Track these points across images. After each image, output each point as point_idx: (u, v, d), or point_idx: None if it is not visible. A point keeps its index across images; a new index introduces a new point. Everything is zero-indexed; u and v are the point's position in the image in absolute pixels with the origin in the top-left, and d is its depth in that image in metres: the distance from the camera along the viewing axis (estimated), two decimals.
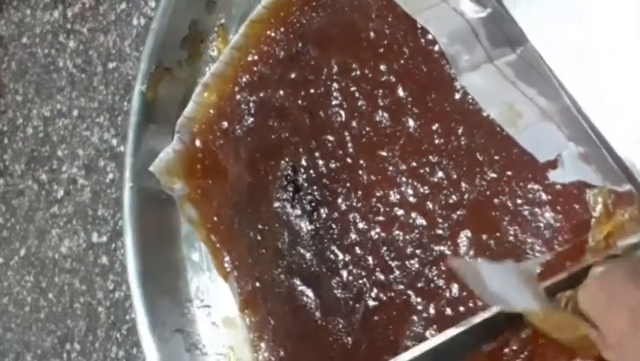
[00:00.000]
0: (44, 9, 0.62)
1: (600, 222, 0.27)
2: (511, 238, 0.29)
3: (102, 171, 0.56)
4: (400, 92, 0.33)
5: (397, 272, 0.32)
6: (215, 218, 0.40)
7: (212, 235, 0.40)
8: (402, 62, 0.32)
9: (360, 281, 0.33)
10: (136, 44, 0.54)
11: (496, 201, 0.29)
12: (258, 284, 0.38)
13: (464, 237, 0.30)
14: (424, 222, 0.31)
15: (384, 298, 0.32)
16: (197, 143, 0.40)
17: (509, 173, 0.29)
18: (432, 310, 0.31)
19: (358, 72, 0.34)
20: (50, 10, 0.62)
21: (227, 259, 0.40)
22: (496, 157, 0.29)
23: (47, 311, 0.59)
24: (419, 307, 0.31)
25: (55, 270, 0.59)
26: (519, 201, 0.29)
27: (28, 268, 0.61)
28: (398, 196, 0.32)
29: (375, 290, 0.33)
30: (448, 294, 0.30)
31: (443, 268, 0.30)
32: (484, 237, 0.29)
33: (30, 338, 0.60)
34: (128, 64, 0.54)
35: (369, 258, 0.33)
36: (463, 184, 0.30)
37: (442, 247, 0.31)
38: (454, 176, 0.30)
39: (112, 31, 0.56)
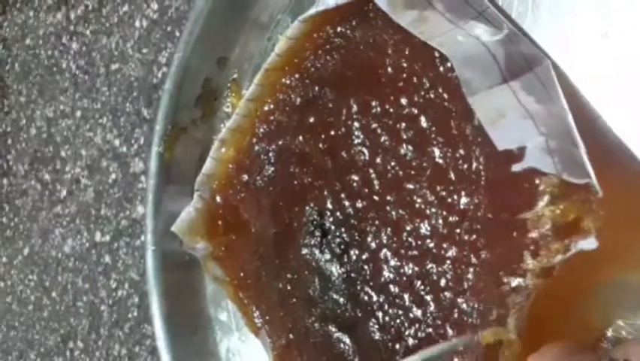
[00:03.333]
0: (47, 11, 0.63)
1: (544, 211, 0.27)
2: (529, 245, 0.29)
3: (105, 172, 0.56)
4: (423, 123, 0.32)
5: (433, 306, 0.31)
6: (241, 273, 0.39)
7: (239, 291, 0.39)
8: (422, 93, 0.32)
9: (398, 321, 0.32)
10: (138, 46, 0.54)
11: (506, 217, 0.29)
12: (291, 336, 0.37)
13: (489, 257, 0.30)
14: (454, 251, 0.31)
15: (424, 335, 0.31)
16: (218, 199, 0.39)
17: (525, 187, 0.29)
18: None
19: (378, 108, 0.33)
20: (53, 12, 0.62)
21: (257, 314, 0.38)
22: (515, 180, 0.29)
23: (50, 310, 0.60)
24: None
25: (58, 269, 0.59)
26: (526, 213, 0.29)
27: (32, 267, 0.62)
28: (429, 228, 0.31)
29: (413, 328, 0.32)
30: (484, 322, 0.30)
31: (479, 296, 0.30)
32: (511, 258, 0.29)
33: (33, 336, 0.61)
34: (131, 65, 0.55)
35: (405, 295, 0.32)
36: (483, 206, 0.30)
37: (472, 275, 0.30)
38: (476, 200, 0.30)
39: (114, 33, 0.56)
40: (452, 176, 0.31)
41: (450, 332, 0.30)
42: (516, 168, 0.28)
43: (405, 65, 0.32)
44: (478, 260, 0.30)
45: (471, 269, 0.30)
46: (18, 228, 0.63)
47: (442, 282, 0.31)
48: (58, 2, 0.62)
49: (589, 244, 0.26)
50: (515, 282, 0.28)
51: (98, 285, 0.56)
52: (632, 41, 0.29)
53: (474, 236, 0.30)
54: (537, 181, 0.28)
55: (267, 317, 0.38)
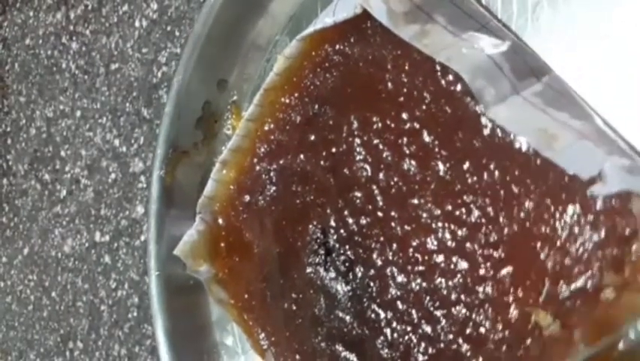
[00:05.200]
0: (47, 11, 0.63)
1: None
2: (555, 266, 0.28)
3: (105, 172, 0.56)
4: (426, 137, 0.31)
5: (444, 321, 0.30)
6: (245, 295, 0.38)
7: (244, 313, 0.39)
8: (424, 107, 0.31)
9: (407, 337, 0.32)
10: (138, 46, 0.54)
11: (535, 230, 0.28)
12: (298, 357, 0.36)
13: (507, 273, 0.29)
14: (465, 265, 0.30)
15: (434, 350, 0.31)
16: (220, 221, 0.39)
17: (547, 200, 0.28)
18: (482, 357, 0.29)
19: (380, 124, 0.33)
20: (53, 12, 0.62)
21: (262, 335, 0.38)
22: (532, 186, 0.28)
23: (50, 310, 0.60)
24: (469, 354, 0.30)
25: (58, 269, 0.59)
26: (559, 226, 0.28)
27: (32, 267, 0.62)
28: (436, 242, 0.31)
29: (423, 344, 0.31)
30: (497, 336, 0.29)
31: (491, 310, 0.29)
32: (528, 271, 0.28)
33: (33, 336, 0.61)
34: (130, 65, 0.55)
35: (413, 311, 0.32)
36: (502, 219, 0.29)
37: (487, 288, 0.29)
38: (492, 213, 0.29)
39: (114, 33, 0.56)
40: (460, 189, 0.30)
41: (464, 346, 0.30)
42: (602, 191, 0.26)
43: (405, 79, 0.32)
44: (495, 275, 0.29)
45: (486, 283, 0.29)
46: (18, 228, 0.64)
47: (453, 296, 0.30)
48: (57, 2, 0.62)
49: None
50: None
51: (97, 285, 0.56)
52: (635, 57, 0.29)
53: (490, 250, 0.29)
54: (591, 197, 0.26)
55: (273, 339, 0.38)
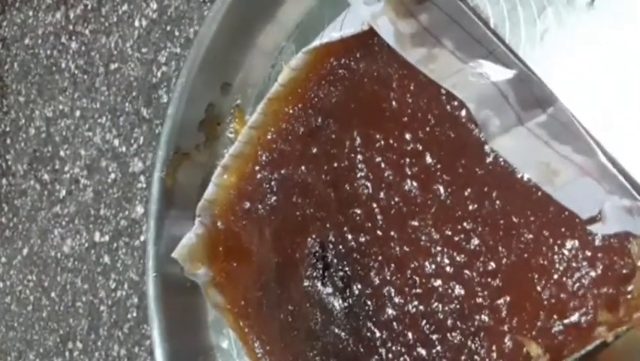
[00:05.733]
0: (47, 10, 0.63)
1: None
2: (550, 299, 0.28)
3: (104, 171, 0.56)
4: (428, 160, 0.31)
5: (439, 346, 0.30)
6: (242, 302, 0.39)
7: (240, 320, 0.39)
8: (427, 129, 0.31)
9: (401, 358, 0.32)
10: (137, 46, 0.54)
11: (533, 262, 0.28)
12: None
13: (504, 302, 0.29)
14: (462, 291, 0.30)
15: None
16: (219, 225, 0.39)
17: (546, 233, 0.28)
18: None
19: (382, 142, 0.33)
20: (53, 12, 0.62)
21: (257, 344, 0.38)
22: (532, 218, 0.29)
23: (50, 310, 0.60)
24: None
25: (57, 269, 0.59)
26: (557, 259, 0.28)
27: (31, 267, 0.62)
28: (434, 266, 0.31)
29: None
30: None
31: (486, 338, 0.29)
32: (523, 301, 0.28)
33: (32, 336, 0.61)
34: (130, 65, 0.55)
35: (409, 333, 0.32)
36: (500, 249, 0.29)
37: (483, 316, 0.29)
38: (490, 241, 0.29)
39: (114, 32, 0.56)
40: (460, 215, 0.30)
41: None
42: (602, 230, 0.27)
43: (410, 100, 0.32)
44: (491, 303, 0.29)
45: (482, 311, 0.29)
46: (17, 228, 0.63)
47: (449, 322, 0.30)
48: (57, 2, 0.62)
49: None
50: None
51: (97, 285, 0.56)
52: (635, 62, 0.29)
53: (487, 278, 0.29)
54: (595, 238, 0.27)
55: (268, 348, 0.38)
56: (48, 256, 0.60)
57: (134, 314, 0.52)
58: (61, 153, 0.60)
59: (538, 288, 0.28)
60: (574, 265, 0.27)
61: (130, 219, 0.54)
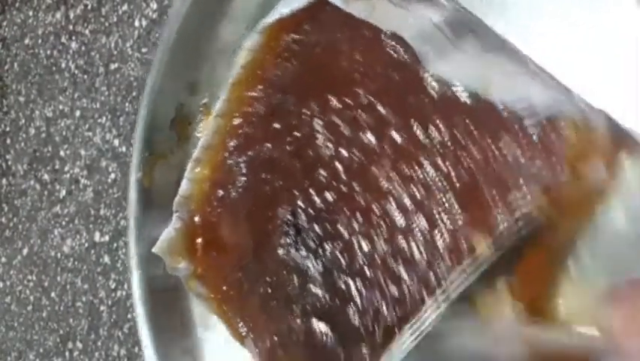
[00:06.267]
0: (46, 10, 0.63)
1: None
2: (501, 201, 0.30)
3: (104, 171, 0.56)
4: (380, 109, 0.33)
5: (410, 281, 0.32)
6: (224, 287, 0.39)
7: (223, 305, 0.40)
8: (377, 80, 0.34)
9: (375, 301, 0.33)
10: (137, 46, 0.54)
11: (483, 173, 0.30)
12: (275, 338, 0.37)
13: (462, 220, 0.31)
14: (424, 221, 0.32)
15: (402, 310, 0.32)
16: (197, 219, 0.40)
17: (490, 142, 0.30)
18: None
19: (338, 104, 0.35)
20: (52, 12, 0.62)
21: (240, 324, 0.39)
22: (476, 132, 0.30)
23: (49, 310, 0.60)
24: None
25: (57, 269, 0.59)
26: (503, 164, 0.30)
27: (31, 267, 0.62)
28: (396, 206, 0.33)
29: (391, 305, 0.32)
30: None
31: (450, 260, 0.31)
32: (479, 213, 0.30)
33: (32, 336, 0.61)
34: (130, 65, 0.55)
35: (380, 275, 0.33)
36: (453, 171, 0.31)
37: (444, 238, 0.31)
38: (443, 166, 0.31)
39: (114, 32, 0.56)
40: (414, 150, 0.32)
41: (426, 299, 0.31)
42: (535, 119, 0.29)
43: (358, 57, 0.34)
44: (453, 225, 0.31)
45: (443, 234, 0.31)
46: (17, 228, 0.63)
47: (416, 254, 0.32)
48: (57, 2, 0.62)
49: None
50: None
51: (97, 285, 0.56)
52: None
53: (445, 202, 0.31)
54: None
55: (251, 325, 0.38)
56: (48, 256, 0.60)
57: (134, 314, 0.52)
58: (61, 153, 0.60)
59: (491, 195, 0.30)
60: (517, 163, 0.29)
61: None
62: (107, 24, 0.57)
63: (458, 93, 0.31)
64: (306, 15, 0.36)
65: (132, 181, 0.44)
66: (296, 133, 0.36)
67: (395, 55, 0.33)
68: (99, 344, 0.55)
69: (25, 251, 0.62)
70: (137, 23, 0.54)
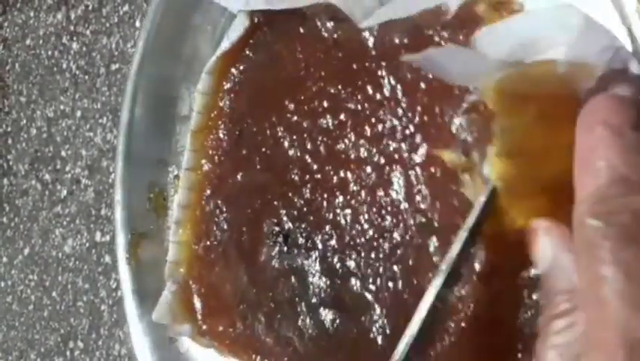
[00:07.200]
0: (48, 11, 0.63)
1: None
2: (450, 118, 0.31)
3: (105, 172, 0.56)
4: (331, 90, 0.35)
5: (397, 227, 0.33)
6: (230, 330, 0.40)
7: (233, 347, 0.40)
8: (320, 66, 0.35)
9: (373, 263, 0.34)
10: None
11: (430, 95, 0.31)
12: (290, 349, 0.37)
13: (426, 154, 0.32)
14: (400, 168, 0.33)
15: (399, 260, 0.33)
16: (190, 282, 0.41)
17: (436, 85, 0.31)
18: (435, 237, 0.32)
19: (292, 105, 0.36)
20: (54, 12, 0.62)
21: (253, 356, 0.39)
22: (423, 85, 0.32)
23: (51, 310, 0.60)
24: (421, 241, 0.32)
25: (58, 269, 0.59)
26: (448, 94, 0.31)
27: (32, 267, 0.62)
28: (368, 167, 0.34)
29: (388, 261, 0.33)
30: (437, 210, 0.32)
31: (426, 191, 0.32)
32: (441, 130, 0.31)
33: (34, 336, 0.61)
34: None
35: (370, 237, 0.34)
36: (409, 113, 0.32)
37: (418, 176, 0.32)
38: (400, 111, 0.32)
39: (115, 33, 0.56)
40: (370, 112, 0.33)
41: (417, 237, 0.32)
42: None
43: (299, 55, 0.36)
44: (424, 165, 0.32)
45: (416, 169, 0.32)
46: (18, 228, 0.64)
47: (398, 201, 0.33)
48: (58, 2, 0.62)
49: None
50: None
51: (98, 285, 0.56)
52: None
53: (409, 146, 0.32)
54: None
55: (264, 349, 0.38)
56: (49, 256, 0.60)
57: None
58: (63, 153, 0.60)
59: (444, 118, 0.31)
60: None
61: None
62: (108, 25, 0.57)
63: (390, 37, 0.32)
64: (245, 41, 0.38)
65: (121, 261, 0.44)
66: (263, 149, 0.38)
67: (329, 35, 0.35)
68: (100, 343, 0.55)
69: (26, 251, 0.63)
70: (137, 24, 0.54)
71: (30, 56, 0.64)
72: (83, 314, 0.57)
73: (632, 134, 0.23)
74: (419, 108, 0.32)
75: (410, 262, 0.32)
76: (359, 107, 0.34)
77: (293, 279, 0.37)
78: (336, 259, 0.35)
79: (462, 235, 0.28)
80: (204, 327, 0.40)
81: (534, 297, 0.28)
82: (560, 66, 0.25)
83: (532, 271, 0.27)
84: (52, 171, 0.61)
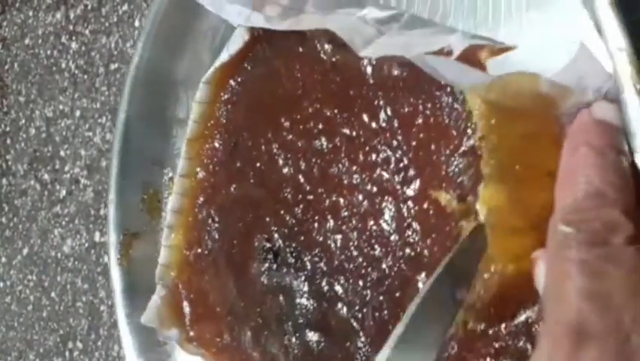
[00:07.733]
0: (47, 10, 0.63)
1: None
2: (447, 157, 0.30)
3: (104, 171, 0.56)
4: (327, 111, 0.35)
5: (385, 258, 0.32)
6: (217, 339, 0.40)
7: (220, 355, 0.40)
8: (319, 88, 0.35)
9: (360, 291, 0.33)
10: None
11: (428, 137, 0.31)
12: None
13: (419, 187, 0.31)
14: (392, 199, 0.32)
15: (385, 290, 0.32)
16: (180, 286, 0.41)
17: (427, 104, 0.31)
18: (424, 272, 0.31)
19: (288, 123, 0.36)
20: (53, 12, 0.62)
21: None
22: (412, 99, 0.31)
23: (50, 310, 0.60)
24: (411, 274, 0.32)
25: (57, 269, 0.59)
26: (443, 118, 0.31)
27: (31, 267, 0.62)
28: (359, 194, 0.33)
29: (375, 289, 0.33)
30: (427, 243, 0.31)
31: (417, 225, 0.31)
32: (434, 173, 0.31)
33: (32, 336, 0.61)
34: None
35: (358, 263, 0.34)
36: (404, 146, 0.32)
37: (410, 207, 0.32)
38: (395, 143, 0.32)
39: (114, 32, 0.56)
40: (365, 139, 0.33)
41: (407, 269, 0.32)
42: (456, 49, 0.30)
43: (297, 74, 0.36)
44: (417, 196, 0.31)
45: (408, 204, 0.32)
46: (17, 228, 0.64)
47: (388, 232, 0.32)
48: (57, 2, 0.62)
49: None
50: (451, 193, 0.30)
51: (97, 285, 0.56)
52: None
53: (402, 175, 0.32)
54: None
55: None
56: (48, 256, 0.60)
57: None
58: (62, 153, 0.60)
59: (440, 158, 0.31)
60: (451, 115, 0.30)
61: None
62: (107, 24, 0.57)
63: (393, 71, 0.32)
64: (244, 54, 0.38)
65: (113, 263, 0.45)
66: (257, 164, 0.38)
67: (329, 60, 0.34)
68: (99, 343, 0.55)
69: (25, 251, 0.63)
70: (137, 23, 0.54)
71: (29, 55, 0.64)
72: (82, 315, 0.57)
73: (613, 156, 0.24)
74: (414, 143, 0.31)
75: (397, 294, 0.32)
76: (354, 133, 0.34)
77: (281, 297, 0.37)
78: (324, 282, 0.35)
79: (437, 271, 0.27)
80: (192, 333, 0.41)
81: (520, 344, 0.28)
82: (543, 84, 0.26)
83: (519, 319, 0.28)
84: (51, 171, 0.61)
